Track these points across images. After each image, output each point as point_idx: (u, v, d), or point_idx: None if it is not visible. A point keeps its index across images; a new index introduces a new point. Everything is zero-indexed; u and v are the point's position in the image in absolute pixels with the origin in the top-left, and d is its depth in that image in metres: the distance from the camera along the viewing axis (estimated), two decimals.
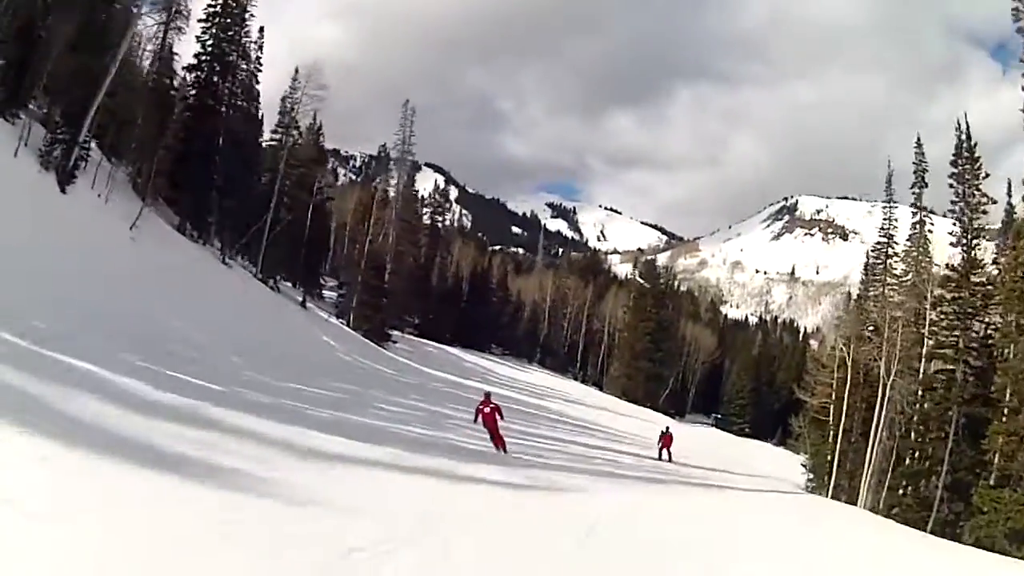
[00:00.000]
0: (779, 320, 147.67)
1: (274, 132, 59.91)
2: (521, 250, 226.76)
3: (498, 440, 21.54)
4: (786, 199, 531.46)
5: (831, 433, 46.30)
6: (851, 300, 51.76)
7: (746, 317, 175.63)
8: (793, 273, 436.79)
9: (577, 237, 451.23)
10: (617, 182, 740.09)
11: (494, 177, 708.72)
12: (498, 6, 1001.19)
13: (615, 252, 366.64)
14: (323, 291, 73.47)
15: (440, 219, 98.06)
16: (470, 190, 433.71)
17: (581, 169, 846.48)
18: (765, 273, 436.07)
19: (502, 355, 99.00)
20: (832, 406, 47.00)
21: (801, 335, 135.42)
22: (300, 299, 57.86)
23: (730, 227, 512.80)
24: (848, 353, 45.44)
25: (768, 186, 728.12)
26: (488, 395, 22.42)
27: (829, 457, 45.48)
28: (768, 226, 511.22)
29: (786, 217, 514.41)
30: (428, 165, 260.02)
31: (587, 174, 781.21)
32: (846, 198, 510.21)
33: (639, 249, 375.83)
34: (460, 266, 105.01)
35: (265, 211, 54.24)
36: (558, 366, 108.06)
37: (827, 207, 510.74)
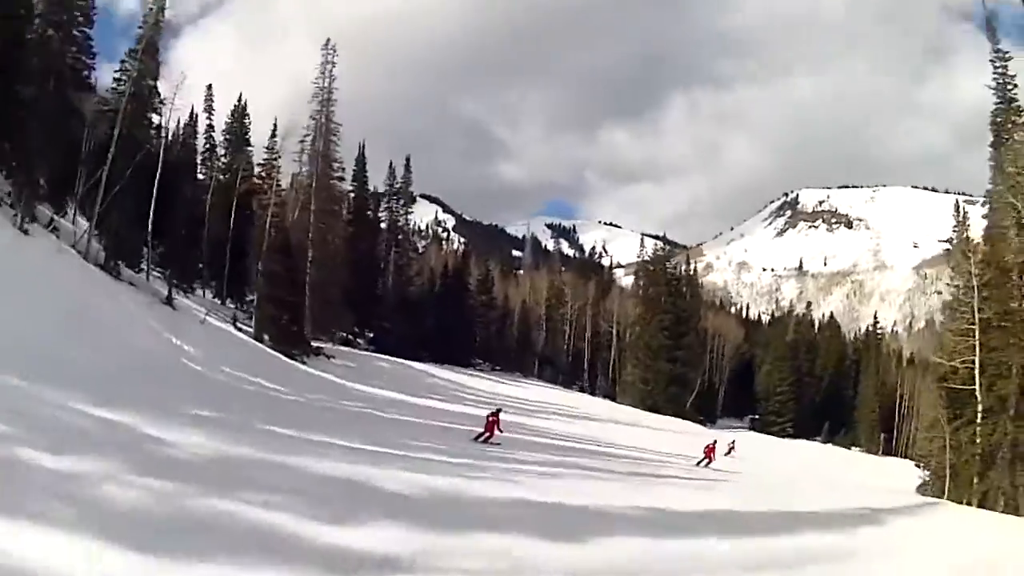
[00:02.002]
0: (794, 313, 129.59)
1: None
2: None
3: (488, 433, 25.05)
4: (786, 194, 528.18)
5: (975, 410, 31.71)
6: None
7: (758, 315, 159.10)
8: (801, 267, 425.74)
9: (579, 255, 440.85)
10: (616, 197, 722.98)
11: (492, 203, 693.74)
12: (486, 30, 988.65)
13: (619, 266, 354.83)
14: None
15: (401, 214, 79.56)
16: (468, 218, 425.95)
17: (579, 186, 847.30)
18: (772, 270, 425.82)
19: (491, 370, 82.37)
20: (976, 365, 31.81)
21: (817, 326, 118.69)
22: (166, 294, 40.04)
23: (732, 229, 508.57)
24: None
25: (767, 184, 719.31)
26: (498, 411, 26.58)
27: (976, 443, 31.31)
28: (770, 223, 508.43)
29: (788, 212, 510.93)
30: (424, 196, 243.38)
31: (586, 191, 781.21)
32: (847, 187, 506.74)
33: (643, 260, 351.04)
34: (431, 270, 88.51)
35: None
36: (561, 378, 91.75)
37: (829, 197, 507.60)
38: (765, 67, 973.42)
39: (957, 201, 40.18)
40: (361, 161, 74.49)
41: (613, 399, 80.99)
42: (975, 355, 31.28)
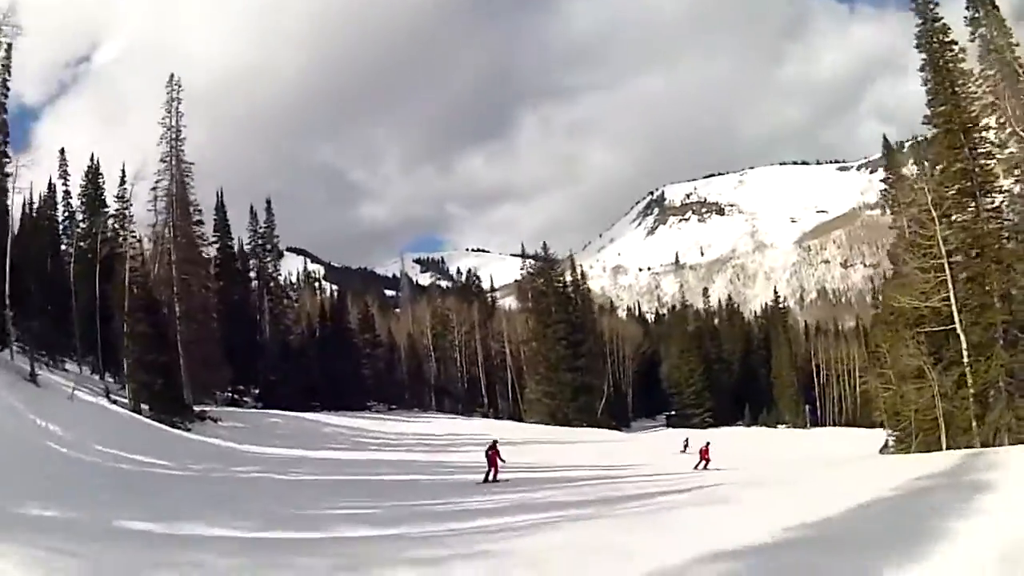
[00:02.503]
0: (690, 305, 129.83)
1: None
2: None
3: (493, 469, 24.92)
4: (651, 193, 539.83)
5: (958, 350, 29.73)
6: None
7: (654, 312, 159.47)
8: (677, 261, 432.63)
9: (451, 285, 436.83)
10: (480, 223, 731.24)
11: (359, 248, 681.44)
12: (332, 74, 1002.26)
13: (493, 290, 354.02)
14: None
15: (269, 260, 74.23)
16: (336, 264, 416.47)
17: (443, 218, 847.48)
18: (649, 269, 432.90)
19: (388, 410, 77.68)
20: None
21: (718, 311, 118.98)
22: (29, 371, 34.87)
23: (601, 236, 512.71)
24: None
25: (631, 186, 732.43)
26: (495, 443, 26.14)
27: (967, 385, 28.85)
28: (639, 223, 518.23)
29: (655, 210, 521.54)
30: (291, 249, 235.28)
31: (450, 222, 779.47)
32: (713, 175, 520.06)
33: (516, 281, 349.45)
34: (309, 315, 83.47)
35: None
36: (460, 407, 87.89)
37: (695, 189, 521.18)
38: (615, 72, 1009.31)
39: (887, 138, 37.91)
40: (222, 209, 69.80)
41: (519, 419, 77.48)
42: (949, 290, 29.30)
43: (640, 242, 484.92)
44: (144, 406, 40.08)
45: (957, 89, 31.11)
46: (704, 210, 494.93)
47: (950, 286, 29.46)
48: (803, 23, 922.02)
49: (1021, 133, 29.17)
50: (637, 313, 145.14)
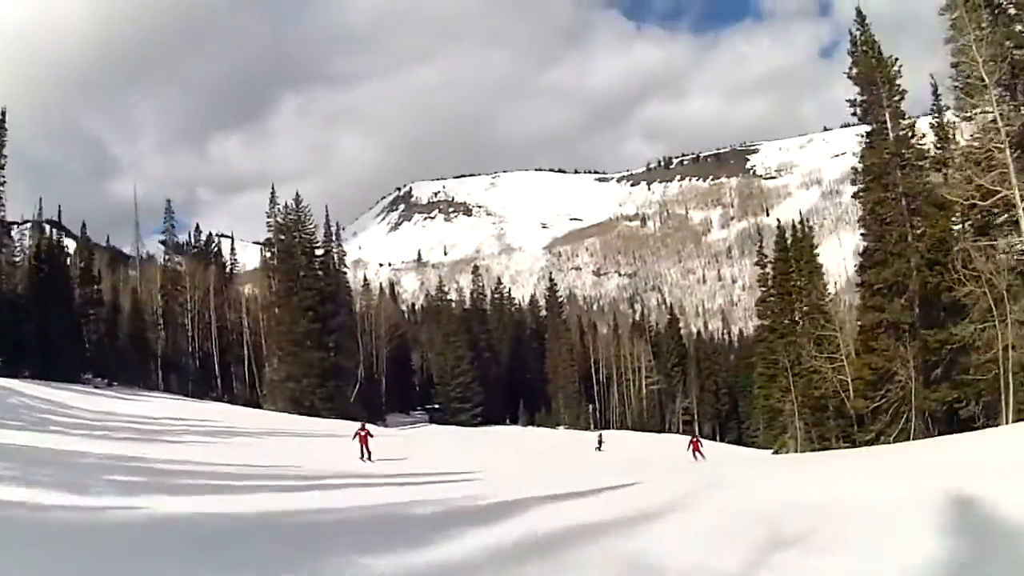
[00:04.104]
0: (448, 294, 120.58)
1: None
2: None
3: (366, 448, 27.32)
4: (399, 188, 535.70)
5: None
6: None
7: (411, 304, 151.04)
8: (420, 259, 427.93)
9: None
10: (227, 210, 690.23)
11: (109, 225, 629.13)
12: (105, 40, 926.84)
13: (233, 253, 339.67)
14: None
15: None
16: (94, 241, 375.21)
17: (192, 202, 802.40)
18: (390, 265, 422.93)
19: (107, 386, 62.19)
20: None
21: (489, 299, 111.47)
22: None
23: (344, 228, 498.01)
24: None
25: (382, 180, 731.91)
26: (363, 425, 29.40)
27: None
28: (384, 218, 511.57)
29: (402, 206, 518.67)
30: (48, 222, 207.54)
31: (199, 207, 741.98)
32: (464, 175, 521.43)
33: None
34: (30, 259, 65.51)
35: None
36: (191, 387, 72.36)
37: (444, 188, 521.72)
38: (390, 60, 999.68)
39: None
40: None
41: (258, 406, 65.59)
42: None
43: (383, 237, 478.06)
44: None
45: None
46: (451, 209, 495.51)
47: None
48: (586, 32, 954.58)
49: None
50: (392, 292, 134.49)
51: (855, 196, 37.93)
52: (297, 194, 73.82)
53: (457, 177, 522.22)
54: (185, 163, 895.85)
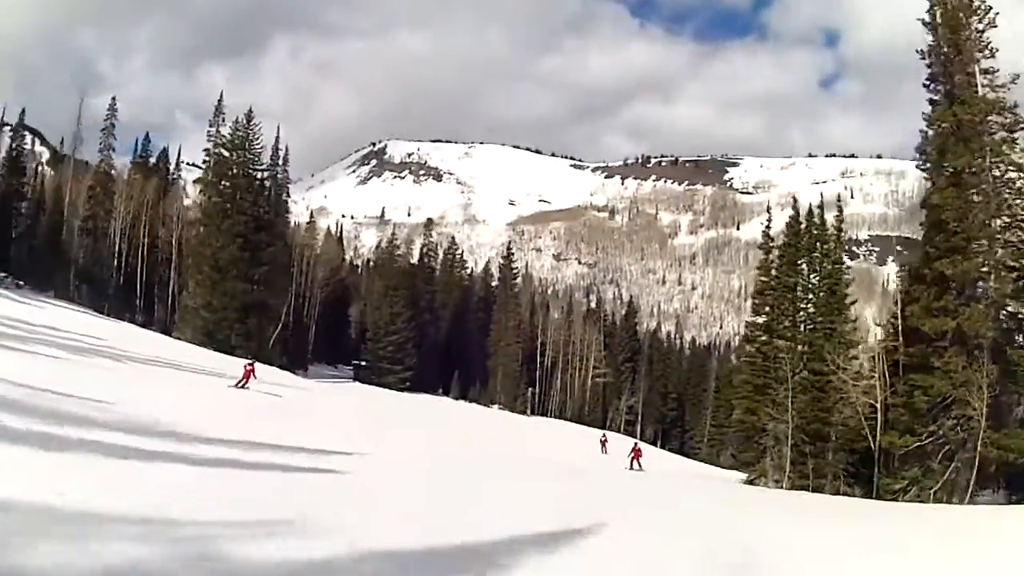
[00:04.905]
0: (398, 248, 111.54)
1: None
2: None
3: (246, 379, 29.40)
4: (373, 144, 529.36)
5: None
6: None
7: (352, 256, 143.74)
8: (383, 216, 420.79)
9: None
10: (202, 139, 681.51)
11: (93, 140, 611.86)
12: None
13: (179, 166, 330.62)
14: None
15: None
16: (67, 153, 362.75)
17: (170, 125, 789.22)
18: (352, 217, 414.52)
19: (14, 286, 54.97)
20: None
21: (440, 259, 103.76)
22: None
23: (313, 175, 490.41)
24: None
25: (356, 134, 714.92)
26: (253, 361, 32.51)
27: None
28: (354, 171, 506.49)
29: (373, 161, 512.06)
30: (25, 127, 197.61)
31: (176, 131, 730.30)
32: (440, 141, 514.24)
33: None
34: None
35: None
36: (109, 305, 63.45)
37: (418, 150, 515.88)
38: (380, 21, 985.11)
39: None
40: None
41: (168, 333, 58.63)
42: None
43: (350, 190, 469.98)
44: None
45: None
46: (422, 172, 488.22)
47: None
48: (589, 22, 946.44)
49: None
50: (339, 235, 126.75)
51: (920, 167, 30.54)
52: (250, 109, 65.96)
53: (433, 141, 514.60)
54: (170, 86, 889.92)
